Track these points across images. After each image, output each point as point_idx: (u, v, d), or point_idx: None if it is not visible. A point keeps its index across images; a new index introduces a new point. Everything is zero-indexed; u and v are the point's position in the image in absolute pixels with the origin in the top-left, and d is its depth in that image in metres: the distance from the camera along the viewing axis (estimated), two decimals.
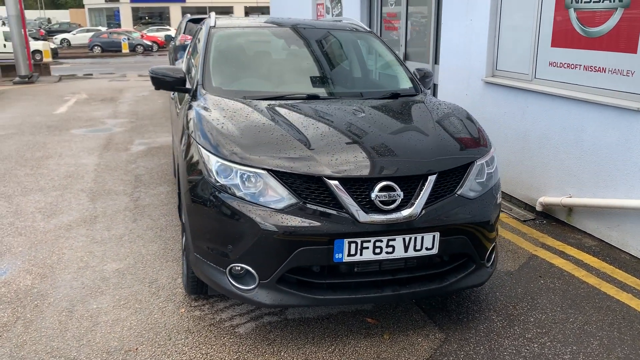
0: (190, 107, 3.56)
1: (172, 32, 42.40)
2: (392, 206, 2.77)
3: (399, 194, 2.78)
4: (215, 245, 2.89)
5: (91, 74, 19.17)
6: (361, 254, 2.76)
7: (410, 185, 2.84)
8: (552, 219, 4.90)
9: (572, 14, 4.61)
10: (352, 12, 9.03)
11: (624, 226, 4.18)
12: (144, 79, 17.00)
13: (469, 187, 3.01)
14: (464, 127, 3.37)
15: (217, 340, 3.00)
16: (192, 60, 4.71)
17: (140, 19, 50.51)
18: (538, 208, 4.97)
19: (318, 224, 2.70)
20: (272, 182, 2.76)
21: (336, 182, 2.74)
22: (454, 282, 2.99)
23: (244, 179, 2.80)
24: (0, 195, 5.49)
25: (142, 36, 35.62)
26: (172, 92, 4.69)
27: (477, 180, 3.06)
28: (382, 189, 2.76)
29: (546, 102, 4.84)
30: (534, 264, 4.03)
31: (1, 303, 3.38)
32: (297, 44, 4.34)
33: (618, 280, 3.78)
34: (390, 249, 2.79)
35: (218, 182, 2.85)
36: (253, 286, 2.81)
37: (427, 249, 2.85)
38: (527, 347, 2.98)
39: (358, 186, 2.77)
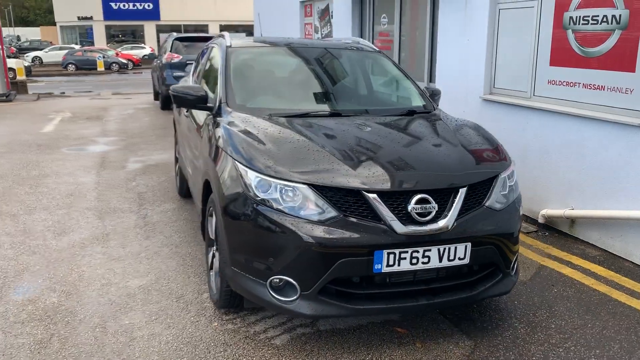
0: (217, 125, 3.64)
1: (148, 50, 42.28)
2: (428, 218, 2.90)
3: (434, 206, 2.91)
4: (255, 259, 2.96)
5: (68, 92, 18.98)
6: (399, 265, 2.87)
7: (443, 197, 2.97)
8: (554, 231, 5.09)
9: (570, 35, 4.85)
10: (343, 32, 9.24)
11: (627, 236, 4.39)
12: (125, 97, 16.93)
13: (495, 199, 3.15)
14: (485, 142, 3.53)
15: (255, 353, 3.06)
16: (205, 79, 4.79)
17: (114, 36, 50.18)
18: (540, 220, 5.16)
19: (358, 236, 2.81)
20: (313, 195, 2.86)
21: (374, 195, 2.85)
22: (483, 290, 3.12)
23: (283, 193, 2.89)
24: (5, 214, 5.44)
25: (117, 54, 35.40)
26: (186, 111, 4.75)
27: (502, 193, 3.21)
28: (418, 202, 2.88)
29: (546, 118, 5.06)
30: (544, 274, 4.19)
31: (32, 320, 3.38)
32: (313, 63, 4.47)
33: (627, 287, 3.96)
34: (426, 259, 2.91)
35: (258, 196, 2.94)
36: (294, 297, 2.88)
37: (459, 258, 2.97)
38: (554, 352, 3.12)
39: (395, 199, 2.89)
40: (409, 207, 2.88)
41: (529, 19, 5.29)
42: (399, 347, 3.14)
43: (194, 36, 13.36)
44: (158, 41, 46.90)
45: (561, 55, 4.98)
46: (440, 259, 2.93)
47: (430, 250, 2.90)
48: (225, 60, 4.21)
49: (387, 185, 2.90)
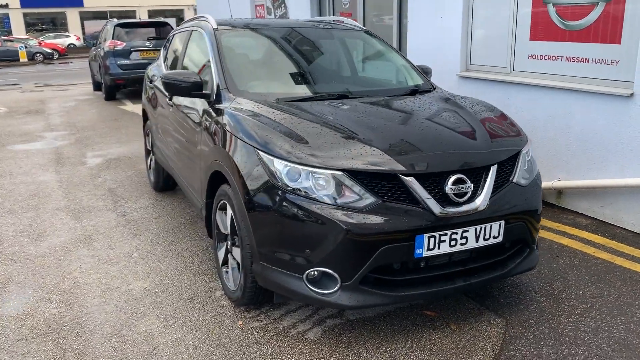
0: (220, 112, 3.43)
1: (73, 39, 40.15)
2: (464, 198, 2.84)
3: (470, 185, 2.85)
4: (289, 252, 2.81)
5: None
6: (439, 248, 2.81)
7: (476, 177, 2.92)
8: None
9: (551, 9, 4.91)
10: (301, 13, 9.04)
11: (618, 204, 4.53)
12: (60, 89, 15.98)
13: (521, 175, 3.14)
14: (501, 119, 3.50)
15: (292, 349, 2.93)
16: (186, 66, 4.52)
17: (32, 25, 47.29)
18: None
19: (399, 220, 2.72)
20: (349, 182, 2.73)
21: (412, 178, 2.76)
22: (513, 267, 3.11)
23: (316, 181, 2.75)
24: None
25: (40, 44, 33.38)
26: (169, 100, 4.47)
27: (524, 169, 3.20)
28: (454, 182, 2.82)
29: (529, 92, 5.12)
30: (544, 245, 4.25)
31: (36, 336, 3.08)
32: (307, 44, 4.30)
33: (626, 253, 4.09)
34: (464, 240, 2.86)
35: (289, 186, 2.78)
36: (335, 289, 2.76)
37: (494, 237, 2.94)
38: (583, 323, 3.16)
39: (431, 181, 2.81)
40: (446, 188, 2.81)
41: None
42: (435, 331, 3.09)
43: (136, 22, 12.75)
44: (83, 29, 44.67)
45: (542, 30, 5.04)
46: (477, 239, 2.89)
47: (467, 230, 2.85)
48: (216, 43, 3.97)
49: (423, 167, 2.81)
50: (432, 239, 2.77)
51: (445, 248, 2.82)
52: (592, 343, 2.96)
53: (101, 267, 3.95)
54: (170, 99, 4.46)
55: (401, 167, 2.77)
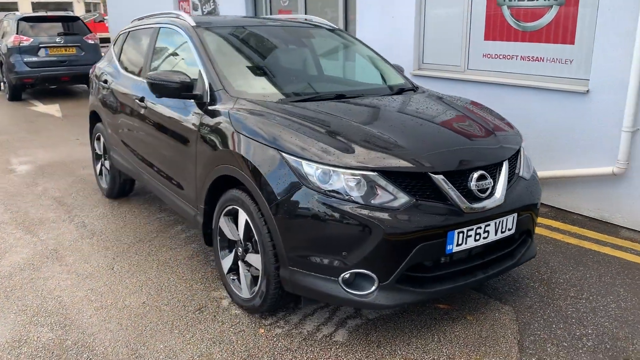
0: (218, 114, 3.31)
1: None
2: (486, 194, 2.95)
3: (490, 181, 2.97)
4: (323, 255, 2.77)
5: None
6: (466, 243, 2.90)
7: (492, 172, 3.04)
8: None
9: (506, 11, 5.20)
10: (234, 9, 8.86)
11: (575, 192, 4.90)
12: None
13: (524, 169, 3.32)
14: (496, 117, 3.67)
15: (326, 353, 2.89)
16: (160, 65, 4.29)
17: None
18: None
19: (433, 218, 2.77)
20: (383, 182, 2.75)
21: (441, 176, 2.83)
22: (520, 257, 3.28)
23: (349, 182, 2.74)
24: None
25: None
26: (140, 101, 4.22)
27: (525, 164, 3.38)
28: (478, 179, 2.92)
29: (485, 90, 5.39)
30: None
31: None
32: (290, 43, 4.24)
33: (591, 237, 4.44)
34: (486, 234, 2.97)
35: (321, 188, 2.74)
36: (372, 290, 2.76)
37: (509, 229, 3.09)
38: (580, 304, 3.40)
39: (457, 178, 2.89)
40: (471, 185, 2.90)
41: None
42: (455, 323, 3.19)
43: (43, 16, 11.80)
44: None
45: (496, 30, 5.33)
46: (496, 232, 3.01)
47: (489, 225, 2.96)
48: (200, 42, 3.80)
49: (449, 165, 2.88)
50: (460, 235, 2.85)
51: (471, 243, 2.92)
52: (595, 322, 3.19)
53: (84, 283, 3.66)
54: (142, 100, 4.20)
55: (430, 166, 2.82)
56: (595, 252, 4.15)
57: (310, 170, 2.78)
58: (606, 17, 4.39)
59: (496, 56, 5.38)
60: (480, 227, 2.92)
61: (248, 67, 3.88)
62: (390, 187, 2.75)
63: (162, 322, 3.19)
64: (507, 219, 3.04)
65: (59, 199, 5.41)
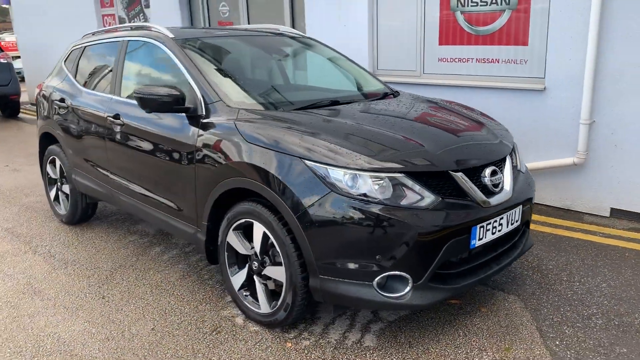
0: (218, 127, 3.22)
1: None
2: (499, 188, 3.08)
3: (501, 176, 3.10)
4: (357, 260, 2.76)
5: None
6: (485, 237, 3.00)
7: (500, 167, 3.17)
8: None
9: (460, 16, 5.45)
10: (166, 22, 8.61)
11: (538, 184, 5.20)
12: None
13: (520, 164, 3.49)
14: (487, 116, 3.82)
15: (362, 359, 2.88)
16: (133, 79, 4.10)
17: None
18: None
19: (459, 215, 2.85)
20: (410, 182, 2.79)
21: (461, 174, 2.91)
22: (523, 247, 3.44)
23: (377, 185, 2.75)
24: None
25: None
26: (115, 118, 4.00)
27: (519, 158, 3.56)
28: (491, 174, 3.04)
29: (443, 92, 5.59)
30: None
31: None
32: (276, 53, 4.19)
33: (560, 225, 4.74)
34: (500, 227, 3.09)
35: (351, 193, 2.74)
36: (406, 291, 2.78)
37: (516, 221, 3.23)
38: (575, 287, 3.62)
39: (473, 174, 2.99)
40: (486, 180, 3.01)
41: (411, 3, 5.75)
42: (472, 316, 3.28)
43: None
44: None
45: (451, 35, 5.56)
46: (507, 225, 3.14)
47: (502, 218, 3.08)
48: (184, 54, 3.67)
49: (467, 163, 2.97)
50: (481, 229, 2.95)
51: (489, 236, 3.02)
52: (595, 302, 3.41)
53: (77, 316, 3.41)
54: (117, 118, 3.99)
55: (450, 164, 2.90)
56: (570, 238, 4.43)
57: (338, 176, 2.77)
58: (558, 21, 4.71)
59: (452, 60, 5.61)
60: (496, 221, 3.03)
61: (238, 78, 3.80)
62: (417, 187, 2.80)
63: (181, 347, 3.03)
64: (515, 212, 3.18)
65: (11, 230, 4.99)
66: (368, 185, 2.75)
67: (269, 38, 4.35)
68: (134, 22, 9.58)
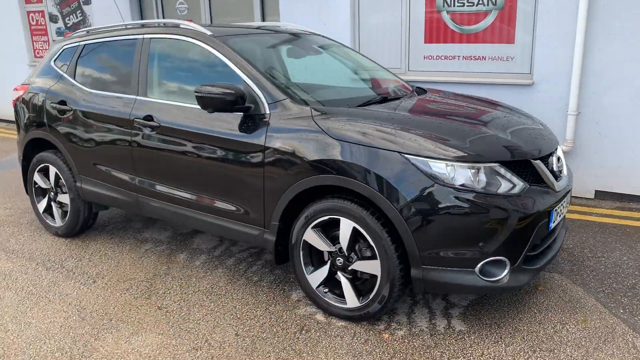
0: (290, 126, 3.20)
1: None
2: (561, 174, 3.34)
3: (562, 163, 3.36)
4: (460, 249, 2.88)
5: None
6: (556, 220, 3.24)
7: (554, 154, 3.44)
8: None
9: (446, 15, 5.73)
10: (112, 19, 8.15)
11: None
12: None
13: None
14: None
15: (465, 343, 3.00)
16: (164, 80, 3.91)
17: None
18: None
19: (543, 200, 3.06)
20: (504, 172, 2.95)
21: (539, 162, 3.13)
22: (566, 230, 3.74)
23: (477, 175, 2.89)
24: None
25: None
26: (143, 119, 3.80)
27: None
28: (557, 161, 3.29)
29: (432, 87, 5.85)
30: None
31: None
32: (311, 51, 4.18)
33: None
34: (564, 210, 3.36)
35: (454, 184, 2.85)
36: (503, 274, 2.94)
37: (567, 205, 3.51)
38: (602, 262, 3.98)
39: (544, 162, 3.22)
40: (555, 167, 3.26)
41: (396, 2, 5.95)
42: (535, 295, 3.51)
43: None
44: None
45: (437, 34, 5.83)
46: (564, 208, 3.41)
47: (564, 201, 3.35)
48: (232, 52, 3.56)
49: (542, 151, 3.19)
50: (555, 213, 3.18)
51: (558, 219, 3.27)
52: (629, 273, 3.78)
53: (144, 330, 3.21)
54: (150, 119, 3.78)
55: (532, 153, 3.11)
56: (571, 220, 4.83)
57: (439, 168, 2.86)
58: (547, 21, 5.12)
59: (438, 57, 5.88)
60: (562, 204, 3.28)
61: (290, 75, 3.75)
62: (508, 175, 2.96)
63: (280, 349, 2.98)
64: (569, 196, 3.46)
65: (5, 248, 4.54)
66: (466, 175, 2.87)
67: (297, 36, 4.33)
68: (68, 20, 8.94)
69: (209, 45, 3.66)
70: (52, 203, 4.72)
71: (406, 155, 2.90)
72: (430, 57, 5.93)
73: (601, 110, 5.10)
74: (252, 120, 3.36)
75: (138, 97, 3.93)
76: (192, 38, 3.76)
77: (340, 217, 3.10)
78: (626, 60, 4.87)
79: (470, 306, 3.38)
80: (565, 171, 3.41)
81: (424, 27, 5.88)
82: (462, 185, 2.85)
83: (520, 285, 3.00)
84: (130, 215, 5.21)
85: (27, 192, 4.94)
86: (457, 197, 2.82)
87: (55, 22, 9.15)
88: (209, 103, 3.28)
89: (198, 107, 3.53)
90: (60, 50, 4.66)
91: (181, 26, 3.89)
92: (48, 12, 9.21)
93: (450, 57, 5.80)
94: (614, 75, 4.96)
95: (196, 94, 3.29)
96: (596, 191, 5.32)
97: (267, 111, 3.33)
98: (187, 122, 3.61)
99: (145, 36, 4.02)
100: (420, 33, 5.91)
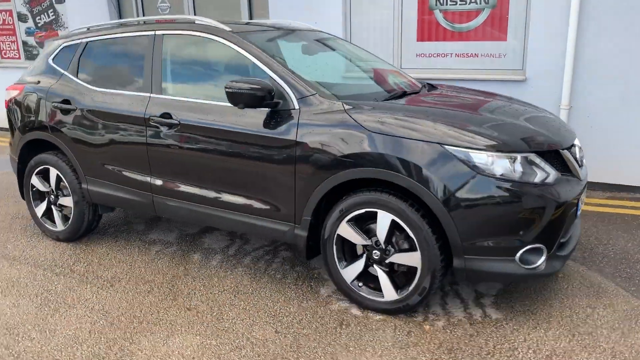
0: (323, 120, 3.20)
1: None
2: (582, 165, 3.46)
3: (583, 154, 3.48)
4: (502, 237, 2.94)
5: None
6: (579, 208, 3.36)
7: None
8: None
9: (439, 14, 5.84)
10: (93, 18, 7.92)
11: None
12: None
13: None
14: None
15: (505, 330, 3.06)
16: (181, 78, 3.83)
17: None
18: None
19: (573, 188, 3.17)
20: (539, 161, 3.03)
21: (566, 151, 3.24)
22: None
23: (516, 165, 2.95)
24: None
25: None
26: (160, 116, 3.72)
27: None
28: (579, 152, 3.41)
29: None
30: None
31: None
32: (322, 48, 4.18)
33: None
34: (584, 198, 3.48)
35: (495, 174, 2.91)
36: (540, 262, 3.02)
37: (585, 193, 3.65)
38: (612, 248, 4.14)
39: (569, 151, 3.33)
40: (577, 157, 3.37)
41: (388, 1, 6.02)
42: (557, 282, 3.62)
43: None
44: None
45: (429, 32, 5.92)
46: (585, 197, 3.54)
47: (584, 190, 3.47)
48: (256, 48, 3.52)
49: (566, 142, 3.30)
50: (579, 200, 3.30)
51: (581, 207, 3.38)
52: (635, 259, 3.94)
53: (180, 331, 3.14)
54: (168, 117, 3.70)
55: (562, 143, 3.21)
56: None
57: (479, 159, 2.92)
58: (539, 19, 5.29)
59: (430, 55, 5.98)
60: (583, 193, 3.40)
61: (315, 71, 3.74)
62: (543, 165, 3.05)
63: (325, 344, 2.96)
64: (586, 186, 3.59)
65: (7, 256, 4.34)
66: (505, 166, 2.93)
67: (310, 33, 4.32)
68: (38, 19, 8.62)
69: (229, 41, 3.61)
70: (52, 207, 4.54)
71: (447, 147, 2.94)
72: (422, 55, 6.02)
73: (592, 104, 5.31)
74: (280, 116, 3.33)
75: (152, 95, 3.84)
76: (211, 34, 3.69)
77: (378, 210, 3.11)
78: (616, 55, 5.08)
79: (499, 295, 3.45)
80: (585, 162, 3.54)
81: (416, 25, 5.96)
82: (502, 175, 2.91)
83: (554, 271, 3.09)
84: (130, 217, 5.08)
85: (22, 197, 4.73)
86: (499, 187, 2.89)
87: (25, 21, 8.80)
88: (239, 99, 3.23)
89: (220, 103, 3.50)
90: (59, 48, 4.49)
91: (197, 22, 3.82)
92: (17, 11, 8.84)
93: (443, 55, 5.91)
94: (604, 71, 5.17)
95: (226, 89, 3.24)
96: (587, 182, 5.52)
97: (296, 106, 3.31)
98: (210, 119, 3.55)
99: (157, 32, 3.93)
100: (412, 31, 5.99)
